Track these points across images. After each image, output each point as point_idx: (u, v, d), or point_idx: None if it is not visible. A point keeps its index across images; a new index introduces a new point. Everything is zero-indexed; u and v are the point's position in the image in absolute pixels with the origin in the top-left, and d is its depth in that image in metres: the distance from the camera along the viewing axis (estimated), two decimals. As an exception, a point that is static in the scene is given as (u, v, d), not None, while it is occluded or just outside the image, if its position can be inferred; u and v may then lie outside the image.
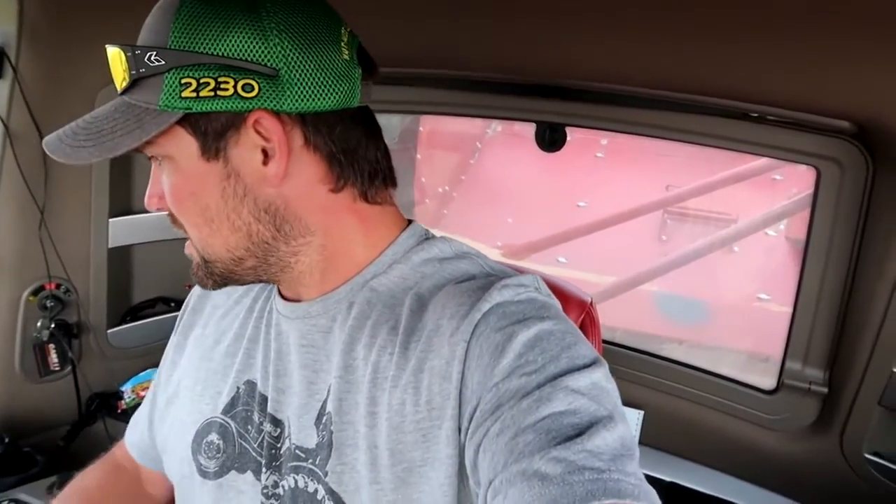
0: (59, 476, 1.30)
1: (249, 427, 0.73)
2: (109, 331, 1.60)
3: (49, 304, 1.46)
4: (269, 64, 0.59)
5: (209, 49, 0.59)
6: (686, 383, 1.52)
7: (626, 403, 1.52)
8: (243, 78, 0.59)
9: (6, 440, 1.38)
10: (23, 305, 1.43)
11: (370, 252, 0.70)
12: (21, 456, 1.40)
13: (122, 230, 1.56)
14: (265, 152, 0.63)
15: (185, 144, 0.63)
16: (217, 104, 0.60)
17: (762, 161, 2.60)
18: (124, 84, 0.62)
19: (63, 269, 1.46)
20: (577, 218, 3.24)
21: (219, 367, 0.78)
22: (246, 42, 0.59)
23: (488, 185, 3.58)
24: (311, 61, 0.60)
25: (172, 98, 0.60)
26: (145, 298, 1.72)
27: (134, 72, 0.61)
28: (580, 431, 0.52)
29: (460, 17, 1.22)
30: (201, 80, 0.59)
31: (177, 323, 0.89)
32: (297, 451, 0.68)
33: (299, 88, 0.60)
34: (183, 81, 0.59)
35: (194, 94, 0.59)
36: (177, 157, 0.64)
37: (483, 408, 0.57)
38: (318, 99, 0.61)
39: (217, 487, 0.74)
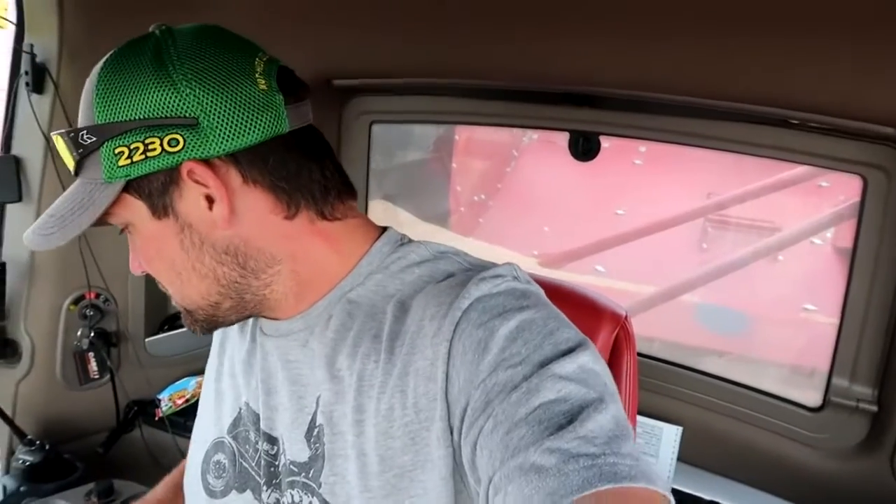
0: (97, 483, 1.32)
1: (248, 447, 0.75)
2: (147, 340, 1.63)
3: (89, 313, 1.49)
4: (186, 114, 0.60)
5: (130, 115, 0.61)
6: (726, 399, 1.48)
7: (664, 419, 1.49)
8: (167, 134, 0.61)
9: (47, 446, 1.41)
10: (64, 314, 1.47)
11: (344, 266, 0.70)
12: (61, 462, 1.43)
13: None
14: (209, 198, 0.64)
15: (136, 209, 0.65)
16: (150, 165, 0.61)
17: (807, 167, 2.52)
18: (73, 166, 0.65)
19: (102, 280, 1.49)
20: (615, 226, 3.19)
21: (224, 387, 0.80)
22: (160, 99, 0.60)
23: (524, 193, 3.56)
24: (226, 101, 0.61)
25: (112, 169, 0.62)
26: (182, 308, 1.74)
27: (75, 153, 0.63)
28: (571, 418, 0.52)
29: (491, 27, 1.22)
30: (132, 146, 0.61)
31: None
32: (291, 466, 0.69)
33: (221, 130, 0.61)
34: (116, 151, 0.61)
35: (129, 161, 0.61)
36: (134, 222, 0.66)
37: (474, 406, 0.57)
38: (242, 136, 0.62)
39: None
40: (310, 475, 0.67)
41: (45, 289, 1.44)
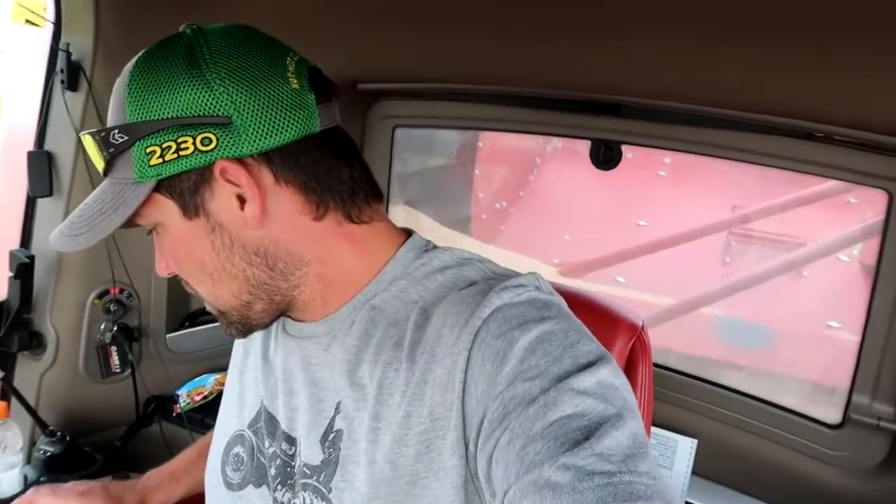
0: (115, 475, 1.34)
1: (268, 443, 0.75)
2: (168, 336, 1.65)
3: (113, 307, 1.52)
4: (219, 113, 0.61)
5: (162, 114, 0.61)
6: (744, 413, 1.46)
7: (680, 431, 1.47)
8: (200, 133, 0.61)
9: (67, 438, 1.43)
10: (88, 308, 1.49)
11: (369, 271, 0.70)
12: (81, 454, 1.45)
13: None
14: (240, 198, 0.64)
15: (167, 209, 0.65)
16: (182, 164, 0.62)
17: (834, 182, 2.48)
18: (102, 166, 0.65)
19: (127, 275, 1.51)
20: (636, 237, 3.17)
21: (248, 381, 0.81)
22: (193, 98, 0.61)
23: (546, 201, 3.55)
24: (259, 100, 0.61)
25: (143, 168, 0.62)
26: (202, 306, 1.76)
27: (105, 153, 0.63)
28: (588, 434, 0.51)
29: (517, 34, 1.22)
30: (164, 145, 0.61)
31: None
32: (304, 469, 0.69)
33: (254, 129, 0.61)
34: (148, 150, 0.62)
35: (161, 160, 0.62)
36: (164, 222, 0.66)
37: (490, 417, 0.56)
38: (275, 135, 0.62)
39: (238, 499, 0.76)
40: (321, 479, 0.67)
41: (71, 283, 1.46)
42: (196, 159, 0.61)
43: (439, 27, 1.30)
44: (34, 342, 1.47)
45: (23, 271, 1.42)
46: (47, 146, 1.44)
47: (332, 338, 0.70)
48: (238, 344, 0.87)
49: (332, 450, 0.67)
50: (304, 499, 0.68)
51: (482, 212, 3.45)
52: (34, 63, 1.42)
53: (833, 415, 1.38)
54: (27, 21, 1.40)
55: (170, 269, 0.70)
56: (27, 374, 1.49)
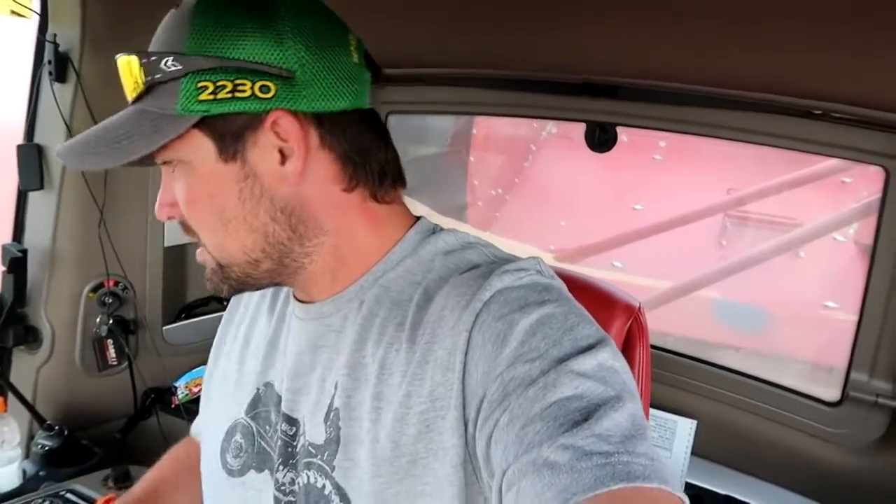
0: (114, 468, 1.33)
1: (268, 427, 0.75)
2: (165, 328, 1.65)
3: (108, 300, 1.51)
4: (284, 66, 0.61)
5: (226, 53, 0.60)
6: (743, 393, 1.46)
7: (680, 412, 1.47)
8: (260, 80, 0.61)
9: (65, 432, 1.43)
10: (83, 301, 1.48)
11: (379, 250, 0.70)
12: (79, 448, 1.45)
13: (177, 230, 1.57)
14: (282, 152, 0.63)
15: (202, 147, 0.63)
16: (235, 106, 0.61)
17: (829, 163, 2.48)
18: (137, 91, 0.63)
19: (121, 267, 1.50)
20: (633, 221, 3.17)
21: (246, 368, 0.80)
22: (262, 46, 0.60)
23: (542, 187, 3.54)
24: (324, 64, 0.62)
25: (189, 102, 0.61)
26: (199, 297, 1.76)
27: (149, 78, 0.62)
28: (587, 415, 0.52)
29: (510, 16, 1.21)
30: (218, 84, 0.60)
31: (221, 322, 0.91)
32: (309, 448, 0.69)
33: (314, 89, 0.62)
34: (199, 85, 0.60)
35: (212, 97, 0.60)
36: (193, 160, 0.64)
37: (490, 398, 0.57)
38: (332, 100, 0.63)
39: (240, 485, 0.76)
40: (324, 458, 0.67)
41: (64, 276, 1.45)
42: (251, 104, 0.61)
43: (432, 12, 1.29)
44: (30, 337, 1.46)
45: (16, 266, 1.41)
46: (37, 139, 1.42)
47: (344, 319, 0.70)
48: (237, 336, 0.85)
49: (332, 429, 0.67)
50: (307, 477, 0.69)
51: (478, 199, 3.45)
52: (22, 55, 1.41)
53: (831, 393, 1.38)
54: (13, 12, 1.38)
55: (172, 213, 0.68)
56: (24, 368, 1.48)
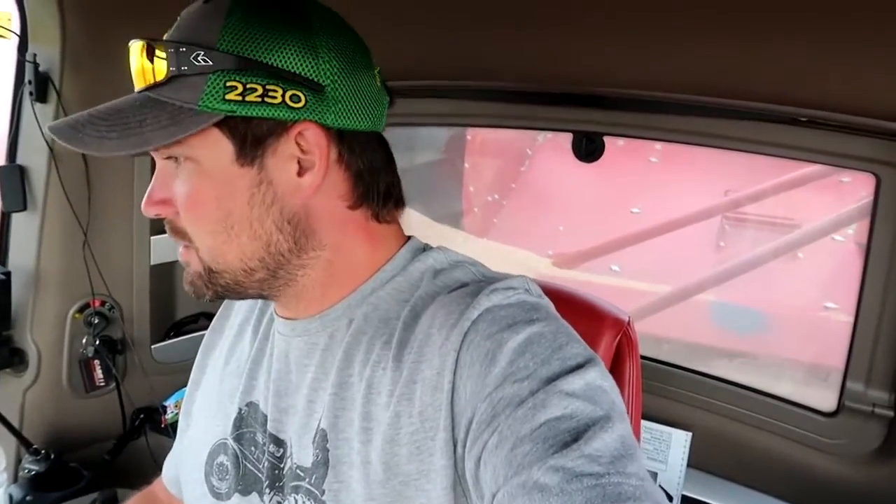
0: (101, 493, 1.32)
1: (254, 448, 0.73)
2: (153, 346, 1.63)
3: (94, 320, 1.49)
4: (316, 79, 0.61)
5: (260, 57, 0.60)
6: (738, 404, 1.44)
7: (674, 424, 1.45)
8: (291, 89, 0.60)
9: (52, 456, 1.41)
10: (69, 322, 1.47)
11: (371, 268, 0.70)
12: (67, 471, 1.43)
13: (164, 247, 1.58)
14: (300, 163, 0.63)
15: (218, 147, 0.62)
16: (263, 110, 0.60)
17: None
18: (161, 78, 0.61)
19: (106, 287, 1.49)
20: (630, 225, 3.16)
21: (227, 388, 0.78)
22: (298, 55, 0.61)
23: (539, 192, 3.53)
24: (353, 82, 0.64)
25: (214, 100, 0.59)
26: (188, 314, 1.74)
27: (174, 69, 0.60)
28: (577, 436, 0.51)
29: (494, 28, 1.20)
30: (248, 86, 0.60)
31: (202, 343, 0.89)
32: (297, 471, 0.68)
33: (342, 106, 0.63)
34: (228, 84, 0.59)
35: (239, 98, 0.59)
36: (205, 159, 0.62)
37: (479, 419, 0.56)
38: (356, 118, 0.64)
39: None
40: (312, 481, 0.66)
41: (49, 297, 1.44)
42: (280, 111, 0.60)
43: (420, 25, 1.28)
44: (15, 359, 1.44)
45: None
46: (19, 160, 1.41)
47: (330, 337, 0.69)
48: (218, 353, 0.84)
49: (319, 451, 0.66)
50: (294, 501, 0.67)
51: (474, 205, 3.44)
52: (2, 75, 1.40)
53: (827, 402, 1.36)
54: (-8, 33, 1.37)
55: (162, 211, 0.65)
56: (9, 391, 1.47)
